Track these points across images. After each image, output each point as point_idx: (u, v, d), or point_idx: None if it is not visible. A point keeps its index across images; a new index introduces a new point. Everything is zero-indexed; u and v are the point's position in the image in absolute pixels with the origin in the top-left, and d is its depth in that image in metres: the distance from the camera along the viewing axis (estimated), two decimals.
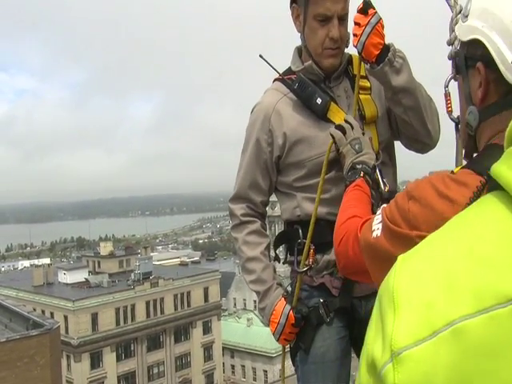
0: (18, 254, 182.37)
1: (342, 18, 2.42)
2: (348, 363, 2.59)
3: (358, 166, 2.21)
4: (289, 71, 2.63)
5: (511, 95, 1.37)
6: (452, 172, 1.46)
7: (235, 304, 72.90)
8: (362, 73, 2.52)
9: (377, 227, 1.55)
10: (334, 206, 2.29)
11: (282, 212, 2.63)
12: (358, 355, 2.77)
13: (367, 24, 2.20)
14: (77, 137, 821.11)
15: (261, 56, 2.64)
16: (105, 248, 61.24)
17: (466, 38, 1.44)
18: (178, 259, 74.32)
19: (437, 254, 0.82)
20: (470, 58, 1.44)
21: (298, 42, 2.63)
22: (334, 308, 2.49)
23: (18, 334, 24.34)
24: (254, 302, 57.71)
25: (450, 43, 1.99)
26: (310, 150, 2.48)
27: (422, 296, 0.75)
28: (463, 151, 1.65)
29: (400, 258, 0.86)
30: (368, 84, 2.56)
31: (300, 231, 2.51)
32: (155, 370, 52.71)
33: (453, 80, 1.78)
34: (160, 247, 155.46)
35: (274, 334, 2.54)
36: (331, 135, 2.38)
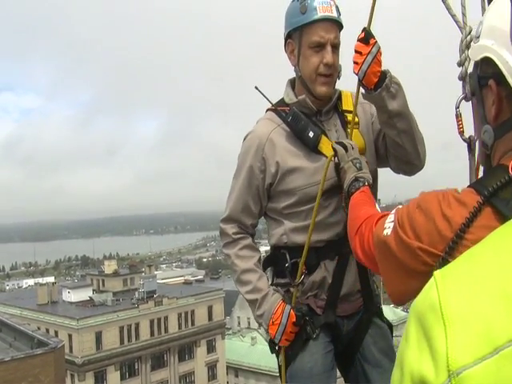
0: (23, 273, 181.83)
1: (335, 47, 2.59)
2: (334, 375, 2.72)
3: (361, 179, 2.36)
4: (281, 102, 2.77)
5: None
6: (456, 191, 1.49)
7: (239, 323, 72.51)
8: (350, 107, 2.69)
9: (388, 226, 1.60)
10: (318, 233, 2.60)
11: (270, 237, 2.77)
12: (340, 370, 2.83)
13: (369, 53, 2.32)
14: (82, 155, 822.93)
15: (256, 88, 2.78)
16: (109, 266, 61.15)
17: (477, 58, 1.46)
18: (182, 278, 74.12)
19: (486, 271, 0.78)
20: (483, 76, 1.45)
21: None
22: (319, 324, 2.64)
23: (22, 353, 24.25)
24: None
25: (461, 64, 2.01)
26: (301, 179, 2.62)
27: (479, 312, 0.71)
28: (475, 171, 1.76)
29: (438, 274, 0.83)
30: (356, 119, 2.69)
31: (287, 255, 2.67)
32: None
33: (464, 101, 1.83)
34: (164, 266, 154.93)
35: (275, 335, 2.63)
36: (333, 149, 2.52)
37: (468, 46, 1.97)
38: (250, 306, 2.79)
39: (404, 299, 1.62)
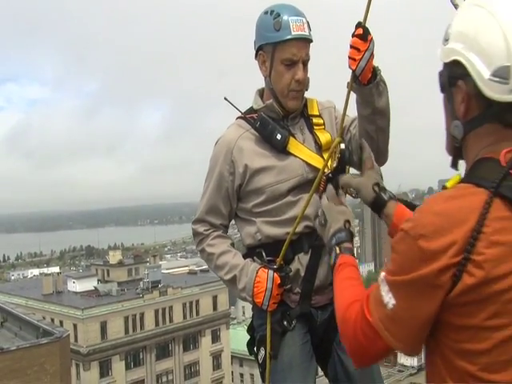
0: (28, 263, 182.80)
1: (305, 63, 2.70)
2: (314, 365, 2.78)
3: (332, 242, 2.14)
4: (251, 110, 2.87)
5: (491, 109, 1.52)
6: (444, 187, 1.58)
7: (244, 312, 72.73)
8: (316, 112, 2.85)
9: (388, 297, 1.53)
10: (290, 227, 2.65)
11: (244, 238, 2.84)
12: (318, 362, 2.84)
13: (367, 50, 2.36)
14: (87, 146, 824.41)
15: (225, 98, 2.94)
16: (114, 257, 61.38)
17: (447, 60, 1.60)
18: (187, 268, 73.97)
19: None
20: (453, 76, 1.59)
21: None
22: (295, 315, 2.70)
23: (27, 343, 24.41)
24: None
25: None
26: (269, 177, 2.72)
27: None
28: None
29: None
30: (321, 121, 2.86)
31: (263, 253, 2.73)
32: (164, 379, 52.63)
33: None
34: (169, 256, 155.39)
35: (262, 304, 2.67)
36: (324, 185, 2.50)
37: None
38: (231, 287, 2.85)
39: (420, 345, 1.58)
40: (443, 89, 1.67)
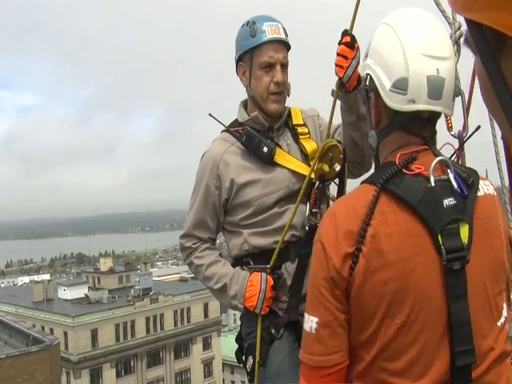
0: (18, 270, 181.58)
1: (284, 66, 2.75)
2: None
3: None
4: (235, 123, 2.91)
5: (396, 119, 1.66)
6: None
7: (235, 320, 72.54)
8: (300, 121, 2.89)
9: (310, 321, 1.63)
10: (278, 236, 2.69)
11: (231, 249, 2.86)
12: None
13: (354, 58, 2.40)
14: (78, 153, 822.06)
15: (210, 115, 2.97)
16: (104, 264, 61.12)
17: (362, 74, 1.78)
18: (178, 275, 73.89)
19: None
20: (368, 89, 1.76)
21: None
22: (283, 324, 2.72)
23: (17, 351, 24.26)
24: None
25: None
26: (256, 191, 2.76)
27: None
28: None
29: None
30: (306, 130, 2.91)
31: (251, 261, 2.77)
32: None
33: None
34: (160, 263, 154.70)
35: (255, 307, 2.69)
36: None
37: (457, 42, 2.07)
38: (221, 298, 2.86)
39: None
40: (364, 102, 1.83)
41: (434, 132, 1.71)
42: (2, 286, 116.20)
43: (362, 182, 1.70)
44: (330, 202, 2.69)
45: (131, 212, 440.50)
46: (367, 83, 1.76)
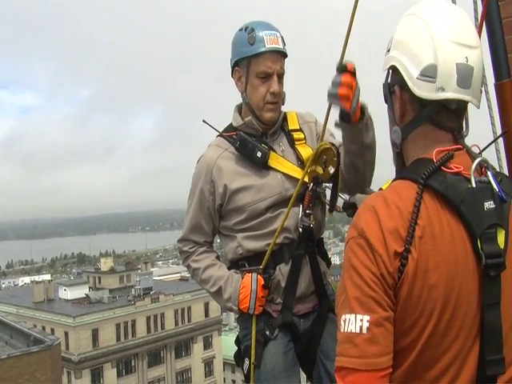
0: (19, 271, 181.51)
1: (280, 76, 2.74)
2: (297, 372, 2.81)
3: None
4: (230, 127, 2.91)
5: (424, 111, 1.61)
6: (381, 188, 1.65)
7: (236, 319, 72.44)
8: (296, 126, 2.87)
9: (359, 320, 1.47)
10: (271, 239, 2.69)
11: (226, 253, 2.88)
12: (303, 371, 2.89)
13: (356, 89, 2.31)
14: (78, 153, 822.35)
15: (204, 121, 2.95)
16: (105, 264, 61.16)
17: (385, 67, 1.70)
18: (179, 274, 73.69)
19: None
20: (391, 84, 1.70)
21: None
22: (277, 325, 2.73)
23: (18, 351, 24.22)
24: None
25: None
26: (249, 196, 2.76)
27: None
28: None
29: None
30: (302, 135, 2.89)
31: (246, 264, 2.77)
32: None
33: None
34: (160, 262, 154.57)
35: (248, 308, 2.71)
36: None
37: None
38: (217, 300, 2.89)
39: None
40: (386, 98, 1.75)
41: (462, 126, 1.66)
42: (3, 286, 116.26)
43: (396, 179, 1.64)
44: (325, 204, 2.68)
45: (131, 211, 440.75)
46: (389, 77, 1.71)
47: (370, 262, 1.47)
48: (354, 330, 1.46)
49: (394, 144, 1.73)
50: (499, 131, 2.33)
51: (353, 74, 2.31)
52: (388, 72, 1.71)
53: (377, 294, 1.46)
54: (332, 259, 3.08)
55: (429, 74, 1.55)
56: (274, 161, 2.78)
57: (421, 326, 1.47)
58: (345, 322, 1.48)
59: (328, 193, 2.79)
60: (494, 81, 2.35)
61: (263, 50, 2.68)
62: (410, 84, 1.58)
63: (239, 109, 2.93)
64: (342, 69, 2.30)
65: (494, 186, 1.52)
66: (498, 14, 2.35)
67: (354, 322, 1.47)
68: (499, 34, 2.34)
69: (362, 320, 1.46)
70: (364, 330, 1.45)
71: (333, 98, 2.34)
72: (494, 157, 2.42)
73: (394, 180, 1.63)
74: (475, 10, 2.35)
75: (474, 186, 1.50)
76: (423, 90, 1.56)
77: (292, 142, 2.86)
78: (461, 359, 1.50)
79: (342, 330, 1.49)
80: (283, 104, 2.85)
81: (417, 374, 1.51)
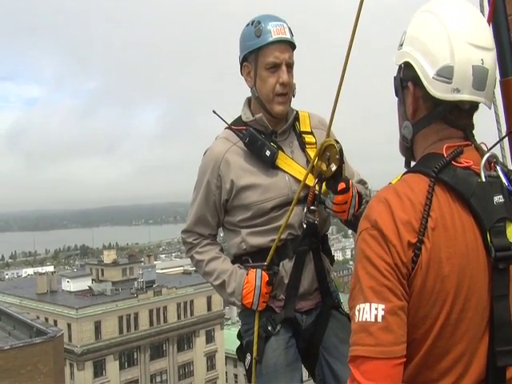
0: (22, 262, 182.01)
1: (290, 66, 2.72)
2: (299, 367, 2.81)
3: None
4: (239, 121, 2.87)
5: (437, 109, 1.62)
6: (390, 183, 1.65)
7: (238, 314, 72.47)
8: (308, 129, 2.87)
9: (374, 309, 1.47)
10: (275, 235, 2.71)
11: (230, 247, 2.88)
12: (306, 367, 2.91)
13: (352, 197, 2.59)
14: (82, 146, 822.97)
15: (214, 112, 2.92)
16: (108, 256, 61.30)
17: (399, 62, 1.70)
18: (182, 268, 73.68)
19: None
20: (404, 79, 1.69)
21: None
22: (279, 320, 2.73)
23: (21, 342, 24.37)
24: None
25: None
26: (256, 195, 2.74)
27: None
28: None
29: None
30: (314, 140, 2.87)
31: (250, 259, 2.77)
32: (158, 379, 52.55)
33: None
34: (163, 255, 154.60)
35: (252, 303, 2.71)
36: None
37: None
38: (220, 293, 2.89)
39: None
40: (397, 92, 1.75)
41: (473, 124, 1.67)
42: (7, 277, 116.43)
43: (406, 172, 1.66)
44: (328, 200, 2.68)
45: (135, 204, 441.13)
46: (401, 72, 1.71)
47: (384, 252, 1.48)
48: (369, 319, 1.46)
49: (404, 139, 1.74)
50: (504, 128, 2.33)
51: (346, 191, 2.55)
52: (400, 66, 1.71)
53: (391, 283, 1.47)
54: (335, 255, 3.07)
55: (445, 74, 1.56)
56: (283, 161, 2.76)
57: (433, 316, 1.49)
58: (359, 311, 1.48)
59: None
60: (499, 78, 2.34)
61: (270, 40, 2.66)
62: (425, 83, 1.59)
63: (249, 102, 2.90)
64: (334, 191, 2.57)
65: (504, 180, 1.55)
66: (504, 10, 2.34)
67: (368, 311, 1.47)
68: (505, 30, 2.33)
69: (376, 309, 1.46)
70: (379, 319, 1.45)
71: (331, 212, 2.65)
72: (499, 154, 2.42)
73: (405, 174, 1.65)
74: (481, 5, 2.34)
75: (483, 180, 1.53)
76: (438, 90, 1.57)
77: (303, 145, 2.84)
78: (471, 350, 1.52)
79: (356, 320, 1.49)
80: (294, 96, 2.82)
81: (429, 365, 1.52)
